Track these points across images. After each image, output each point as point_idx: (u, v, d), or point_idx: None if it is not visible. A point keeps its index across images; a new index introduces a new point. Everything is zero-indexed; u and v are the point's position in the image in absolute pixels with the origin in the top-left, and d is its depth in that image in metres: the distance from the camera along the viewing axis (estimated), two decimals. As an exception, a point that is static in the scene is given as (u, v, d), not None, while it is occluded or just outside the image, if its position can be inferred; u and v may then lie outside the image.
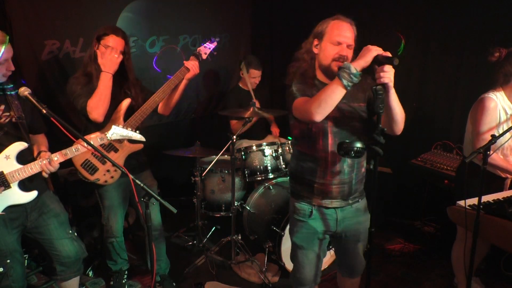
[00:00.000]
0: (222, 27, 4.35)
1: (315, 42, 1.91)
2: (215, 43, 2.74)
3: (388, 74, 1.64)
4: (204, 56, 2.69)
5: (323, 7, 4.07)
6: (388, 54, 1.64)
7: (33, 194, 2.07)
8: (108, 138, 2.08)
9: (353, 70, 1.64)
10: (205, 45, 2.71)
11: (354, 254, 2.14)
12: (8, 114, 2.02)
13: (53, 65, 3.20)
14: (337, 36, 1.84)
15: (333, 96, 1.69)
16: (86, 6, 3.28)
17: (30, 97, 1.87)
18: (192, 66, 2.58)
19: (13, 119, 2.03)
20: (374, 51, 1.65)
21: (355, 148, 1.74)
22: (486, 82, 3.19)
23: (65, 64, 3.25)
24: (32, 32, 3.03)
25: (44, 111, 1.83)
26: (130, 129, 2.10)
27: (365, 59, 1.65)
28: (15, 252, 2.11)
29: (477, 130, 2.41)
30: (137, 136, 2.11)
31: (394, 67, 1.64)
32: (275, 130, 4.00)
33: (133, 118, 2.48)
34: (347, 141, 1.78)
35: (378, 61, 1.65)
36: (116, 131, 2.09)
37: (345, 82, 1.65)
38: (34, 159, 2.07)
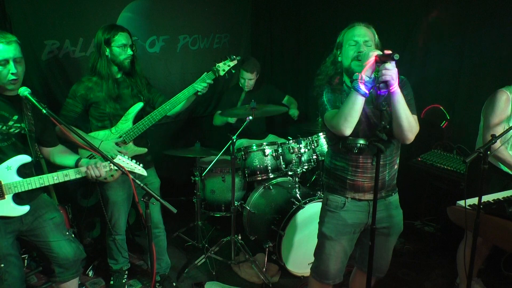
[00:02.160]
0: (222, 27, 4.34)
1: (338, 52, 2.00)
2: (236, 61, 2.71)
3: (390, 72, 1.68)
4: (222, 73, 2.67)
5: (323, 8, 4.07)
6: (388, 51, 1.67)
7: (25, 209, 2.03)
8: (112, 166, 2.10)
9: (366, 78, 1.73)
10: (224, 61, 2.68)
11: (383, 250, 2.16)
12: (19, 125, 2.01)
13: (53, 65, 3.20)
14: (352, 37, 1.92)
15: (355, 107, 1.78)
16: (86, 6, 3.28)
17: (30, 97, 1.87)
18: (202, 89, 2.61)
19: (23, 131, 2.02)
20: (371, 53, 1.73)
21: (358, 145, 1.78)
22: (486, 81, 3.21)
23: (65, 64, 3.25)
24: (32, 32, 3.03)
25: (44, 111, 1.83)
26: (135, 162, 2.14)
27: (368, 64, 1.73)
28: (10, 256, 2.09)
29: (487, 122, 2.49)
30: (138, 170, 2.14)
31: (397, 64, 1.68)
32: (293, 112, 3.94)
33: (142, 123, 2.52)
34: (350, 137, 1.81)
35: (381, 61, 1.70)
36: (120, 162, 2.11)
37: (361, 91, 1.75)
38: (35, 174, 2.05)
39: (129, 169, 2.11)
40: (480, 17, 3.21)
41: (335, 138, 2.03)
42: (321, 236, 2.14)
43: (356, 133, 1.89)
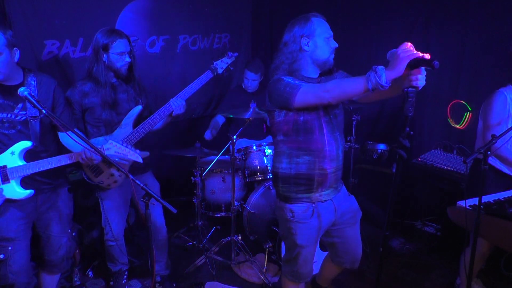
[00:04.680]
0: (222, 27, 4.34)
1: (304, 41, 1.95)
2: (233, 58, 2.70)
3: (423, 77, 1.58)
4: (220, 71, 2.66)
5: (323, 8, 4.07)
6: (426, 56, 1.53)
7: (28, 192, 2.09)
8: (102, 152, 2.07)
9: (383, 81, 1.59)
10: (222, 59, 2.67)
11: (356, 240, 2.22)
12: (24, 112, 2.08)
13: (53, 65, 3.20)
14: (327, 31, 1.97)
15: (355, 91, 1.71)
16: (86, 6, 3.27)
17: (29, 97, 1.87)
18: (178, 106, 2.50)
19: (27, 118, 2.08)
20: (407, 57, 1.54)
21: (379, 151, 1.70)
22: (486, 81, 3.21)
23: (65, 64, 3.25)
24: (32, 32, 3.03)
25: (44, 111, 1.83)
26: (131, 146, 2.07)
27: (399, 69, 1.56)
28: (19, 241, 2.13)
29: (487, 122, 2.50)
30: (133, 156, 2.04)
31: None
32: None
33: (142, 126, 2.48)
34: (370, 142, 1.75)
35: (414, 65, 1.55)
36: (111, 147, 2.04)
37: (369, 85, 1.63)
38: (41, 159, 2.10)
39: (122, 156, 2.06)
40: (480, 16, 3.22)
41: (297, 132, 1.95)
42: (296, 246, 2.08)
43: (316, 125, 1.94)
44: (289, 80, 1.90)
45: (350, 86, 1.73)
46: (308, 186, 2.01)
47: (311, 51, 1.96)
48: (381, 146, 1.70)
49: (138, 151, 2.07)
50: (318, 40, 1.95)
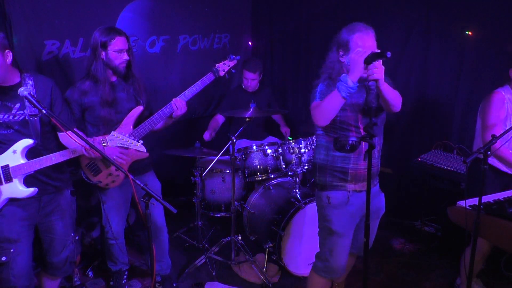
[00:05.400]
0: (222, 27, 4.34)
1: (341, 52, 2.02)
2: (235, 61, 2.70)
3: (378, 71, 1.75)
4: (222, 73, 2.67)
5: (324, 7, 4.07)
6: (377, 50, 1.75)
7: (31, 190, 2.09)
8: (104, 144, 2.09)
9: (350, 84, 1.80)
10: (224, 62, 2.68)
11: (373, 231, 2.30)
12: (22, 112, 2.07)
13: (53, 65, 3.19)
14: (367, 46, 1.95)
15: (333, 105, 1.89)
16: (86, 6, 3.27)
17: (29, 97, 1.87)
18: (179, 107, 2.50)
19: (26, 117, 2.08)
20: (360, 58, 1.78)
21: (350, 142, 1.88)
22: (486, 81, 3.21)
23: (65, 64, 3.25)
24: (32, 32, 3.03)
25: (44, 111, 1.83)
26: (133, 138, 2.10)
27: (358, 69, 1.80)
28: (22, 243, 2.12)
29: (486, 122, 2.51)
30: (136, 145, 2.09)
31: (384, 63, 1.75)
32: (286, 130, 3.98)
33: (142, 126, 2.48)
34: (342, 135, 1.91)
35: (370, 61, 1.75)
36: (114, 138, 2.08)
37: (343, 94, 1.82)
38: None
39: (125, 146, 2.10)
40: (480, 16, 3.22)
41: (334, 129, 2.06)
42: (331, 234, 2.14)
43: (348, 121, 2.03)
44: (317, 90, 2.04)
45: (329, 104, 1.90)
46: (343, 178, 2.10)
47: (346, 63, 2.02)
48: (352, 138, 1.90)
49: (141, 141, 2.11)
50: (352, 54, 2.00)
